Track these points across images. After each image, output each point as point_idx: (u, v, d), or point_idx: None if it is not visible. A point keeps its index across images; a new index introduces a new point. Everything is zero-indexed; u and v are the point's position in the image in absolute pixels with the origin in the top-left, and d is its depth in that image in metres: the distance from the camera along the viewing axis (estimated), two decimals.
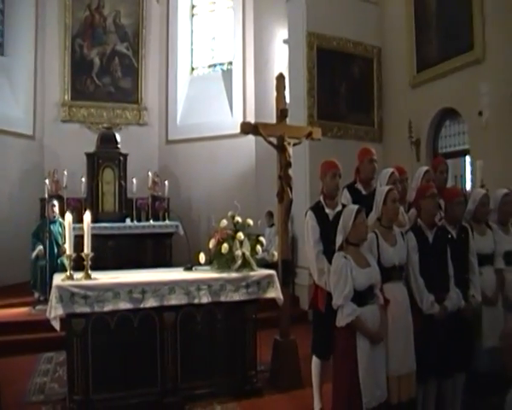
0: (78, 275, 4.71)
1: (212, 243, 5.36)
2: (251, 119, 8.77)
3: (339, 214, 3.96)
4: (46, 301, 5.76)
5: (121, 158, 10.71)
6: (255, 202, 10.32)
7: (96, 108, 12.05)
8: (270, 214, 9.37)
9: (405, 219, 4.45)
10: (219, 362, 5.12)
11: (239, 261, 5.19)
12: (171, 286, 4.83)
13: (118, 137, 10.86)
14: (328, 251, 4.14)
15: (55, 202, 8.59)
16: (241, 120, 9.28)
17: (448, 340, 3.98)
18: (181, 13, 12.70)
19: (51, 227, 8.23)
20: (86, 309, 4.50)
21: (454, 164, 7.98)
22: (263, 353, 5.42)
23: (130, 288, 4.68)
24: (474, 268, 4.29)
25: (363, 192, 4.66)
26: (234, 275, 5.12)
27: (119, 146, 10.77)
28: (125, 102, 12.26)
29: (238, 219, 5.38)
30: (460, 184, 7.94)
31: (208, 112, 11.94)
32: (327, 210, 4.48)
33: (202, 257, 5.47)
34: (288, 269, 5.84)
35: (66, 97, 11.80)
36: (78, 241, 5.02)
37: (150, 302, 4.72)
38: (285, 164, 5.60)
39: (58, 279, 4.67)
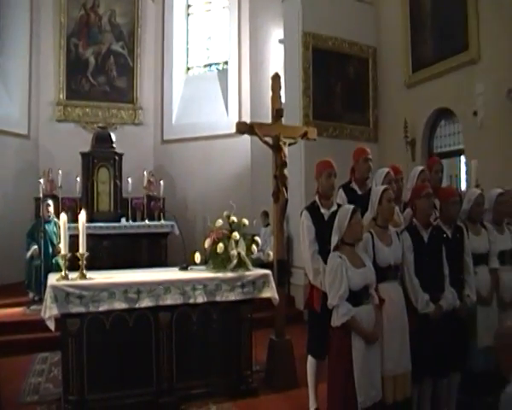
0: (73, 275, 4.69)
1: (207, 243, 5.35)
2: (246, 118, 8.75)
3: (334, 214, 3.97)
4: (41, 301, 5.75)
5: (116, 158, 10.69)
6: (250, 201, 10.32)
7: (91, 108, 12.00)
8: (266, 214, 9.36)
9: (401, 218, 4.46)
10: (215, 362, 5.11)
11: (234, 261, 5.19)
12: (167, 286, 4.83)
13: (113, 137, 10.84)
14: (324, 251, 4.14)
15: (50, 202, 8.57)
16: (236, 119, 9.26)
17: (443, 340, 3.99)
18: (176, 12, 12.67)
19: (46, 227, 8.20)
20: (81, 309, 4.49)
21: (449, 164, 8.01)
22: (258, 353, 5.43)
23: (126, 288, 4.67)
24: (469, 268, 4.30)
25: (359, 192, 4.66)
26: (229, 275, 5.12)
27: (114, 146, 10.74)
28: (120, 102, 12.22)
29: (233, 218, 5.37)
30: (455, 183, 7.96)
31: (204, 112, 11.92)
32: (322, 210, 4.48)
33: (198, 257, 5.46)
34: (283, 269, 5.85)
35: (61, 97, 11.75)
36: (73, 241, 5.02)
37: (145, 302, 4.72)
38: (280, 164, 5.61)
39: (53, 279, 4.65)
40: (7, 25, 11.11)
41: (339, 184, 4.73)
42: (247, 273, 5.18)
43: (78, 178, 10.38)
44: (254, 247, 5.41)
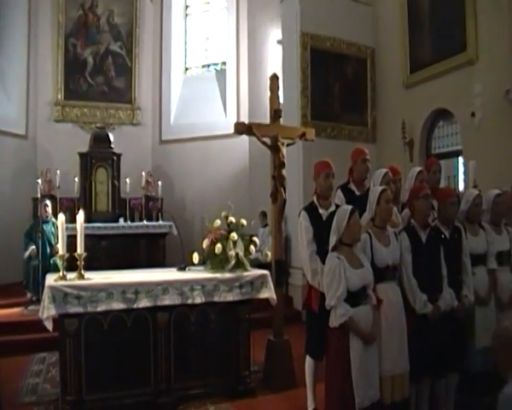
0: (71, 275, 4.69)
1: (205, 244, 5.35)
2: (245, 119, 8.76)
3: (332, 215, 3.97)
4: (39, 301, 5.75)
5: (114, 158, 10.69)
6: (249, 202, 10.32)
7: (89, 108, 11.98)
8: (264, 214, 9.37)
9: (399, 219, 4.46)
10: (213, 362, 5.11)
11: (232, 262, 5.19)
12: (165, 286, 4.82)
13: (111, 137, 10.84)
14: (322, 251, 4.14)
15: (48, 202, 8.56)
16: (234, 120, 9.28)
17: (441, 340, 3.99)
18: (175, 13, 12.67)
19: (44, 227, 8.19)
20: (79, 309, 4.48)
21: (447, 165, 8.03)
22: (256, 353, 5.42)
23: (124, 288, 4.66)
24: (467, 268, 4.31)
25: (357, 192, 4.67)
26: (227, 275, 5.11)
27: (112, 146, 10.75)
28: (118, 102, 12.21)
29: (232, 219, 5.37)
30: (453, 184, 7.97)
31: (202, 112, 11.91)
32: (320, 210, 4.49)
33: (196, 257, 5.46)
34: (281, 269, 5.85)
35: (59, 97, 11.74)
36: (71, 241, 5.01)
37: (144, 303, 4.71)
38: (279, 164, 5.61)
39: (51, 279, 4.64)
40: (5, 25, 11.08)
41: (337, 185, 4.74)
42: (245, 274, 5.17)
43: (76, 179, 10.37)
44: (252, 247, 5.41)
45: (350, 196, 4.59)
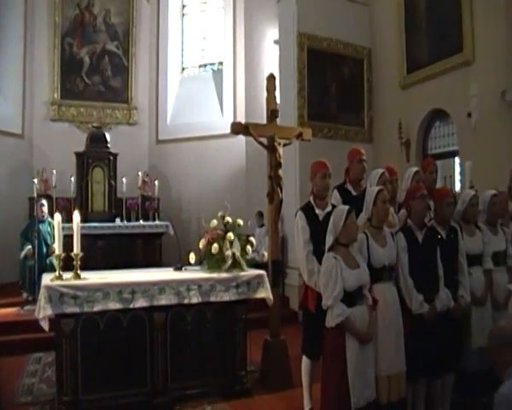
0: (68, 275, 4.67)
1: (202, 244, 5.34)
2: (241, 119, 8.76)
3: (329, 215, 3.97)
4: (35, 301, 5.73)
5: (111, 158, 10.66)
6: (245, 202, 10.31)
7: (85, 108, 11.95)
8: (261, 215, 9.37)
9: (395, 219, 4.47)
10: (209, 362, 5.11)
11: (229, 262, 5.19)
12: (161, 286, 4.82)
13: (107, 137, 10.80)
14: (318, 252, 4.14)
15: (44, 202, 8.53)
16: (231, 120, 9.26)
17: (437, 340, 4.00)
18: (171, 12, 12.64)
19: (40, 227, 8.16)
20: (75, 309, 4.47)
21: (443, 165, 8.04)
22: (253, 353, 5.42)
23: (120, 288, 4.66)
24: (464, 269, 4.32)
25: (353, 193, 4.67)
26: (224, 275, 5.11)
27: (108, 145, 10.71)
28: (114, 102, 12.18)
29: (228, 219, 5.37)
30: (449, 184, 7.98)
31: (199, 112, 11.91)
32: (317, 211, 4.49)
33: (192, 257, 5.45)
34: (278, 269, 5.85)
35: (55, 96, 11.70)
36: (68, 241, 4.99)
37: (140, 302, 4.71)
38: (275, 164, 5.61)
39: (47, 279, 4.63)
40: (1, 24, 11.03)
41: (333, 185, 4.74)
42: (242, 274, 5.17)
43: (73, 178, 10.35)
44: (249, 247, 5.40)
45: (346, 197, 4.59)
